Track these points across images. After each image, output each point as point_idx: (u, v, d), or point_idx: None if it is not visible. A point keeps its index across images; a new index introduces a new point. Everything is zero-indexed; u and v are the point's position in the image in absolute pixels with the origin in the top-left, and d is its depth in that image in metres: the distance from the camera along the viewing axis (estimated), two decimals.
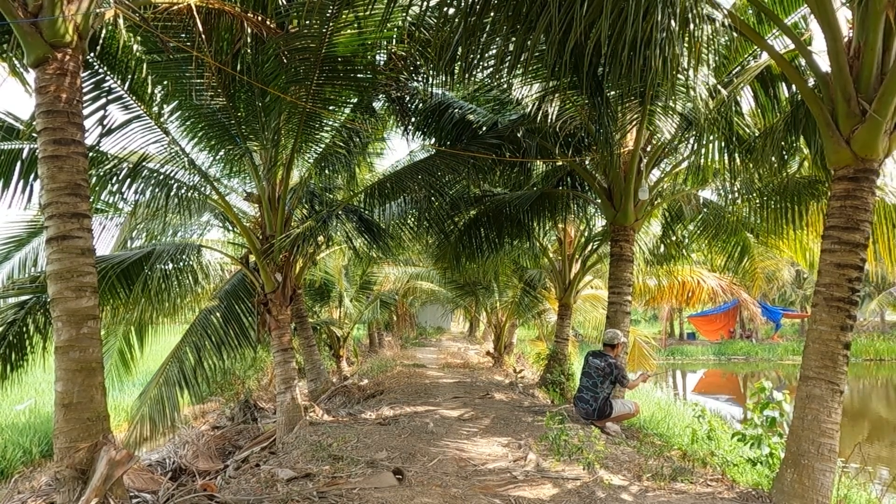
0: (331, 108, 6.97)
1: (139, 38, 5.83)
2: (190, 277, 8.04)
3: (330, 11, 5.52)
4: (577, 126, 7.53)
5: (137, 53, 6.02)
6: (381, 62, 6.90)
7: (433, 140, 8.55)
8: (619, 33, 3.77)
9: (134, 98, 6.31)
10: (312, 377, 10.25)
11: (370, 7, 5.58)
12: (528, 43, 4.18)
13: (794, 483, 4.02)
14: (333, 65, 6.28)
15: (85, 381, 3.77)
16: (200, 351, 7.78)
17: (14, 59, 4.95)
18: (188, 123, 6.93)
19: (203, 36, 5.04)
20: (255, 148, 7.44)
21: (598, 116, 6.61)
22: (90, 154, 5.29)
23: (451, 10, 4.54)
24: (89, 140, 5.23)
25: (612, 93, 6.19)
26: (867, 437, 13.90)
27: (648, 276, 12.11)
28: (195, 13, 4.89)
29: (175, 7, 4.92)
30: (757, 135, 6.53)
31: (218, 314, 8.14)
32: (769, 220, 7.80)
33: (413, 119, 8.34)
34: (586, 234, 11.81)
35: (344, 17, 5.70)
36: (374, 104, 8.13)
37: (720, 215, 9.14)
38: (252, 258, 7.55)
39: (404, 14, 5.77)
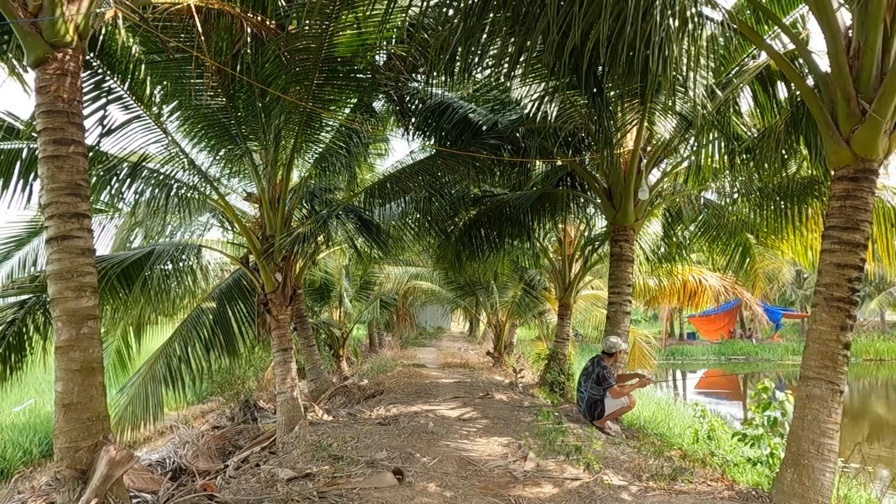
0: (331, 108, 6.98)
1: (139, 38, 5.84)
2: (189, 278, 8.04)
3: (330, 11, 5.52)
4: (577, 126, 7.53)
5: (137, 54, 6.02)
6: (381, 62, 6.90)
7: (433, 140, 8.55)
8: (619, 34, 3.77)
9: (134, 98, 6.32)
10: (312, 377, 10.24)
11: (370, 8, 5.58)
12: (528, 44, 4.18)
13: (794, 483, 4.02)
14: (333, 65, 6.28)
15: (85, 381, 3.77)
16: (188, 349, 7.78)
17: (14, 59, 4.95)
18: (188, 123, 6.93)
19: (203, 36, 5.04)
20: (255, 148, 7.44)
21: (597, 116, 6.62)
22: (90, 154, 5.30)
23: (451, 11, 4.55)
24: (89, 140, 5.24)
25: (612, 93, 6.20)
26: (867, 437, 13.90)
27: (649, 276, 12.10)
28: (195, 13, 4.89)
29: (175, 7, 4.92)
30: (757, 135, 6.53)
31: (210, 316, 8.14)
32: (769, 220, 7.81)
33: (413, 119, 8.33)
34: (586, 234, 11.81)
35: (344, 17, 5.70)
36: (374, 104, 8.14)
37: (721, 216, 9.15)
38: (252, 258, 7.55)
39: (404, 15, 5.78)
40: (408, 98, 8.08)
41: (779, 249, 9.50)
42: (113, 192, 6.52)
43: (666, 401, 12.95)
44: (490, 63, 5.29)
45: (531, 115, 6.62)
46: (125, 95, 6.24)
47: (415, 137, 8.73)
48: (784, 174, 6.94)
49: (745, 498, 4.36)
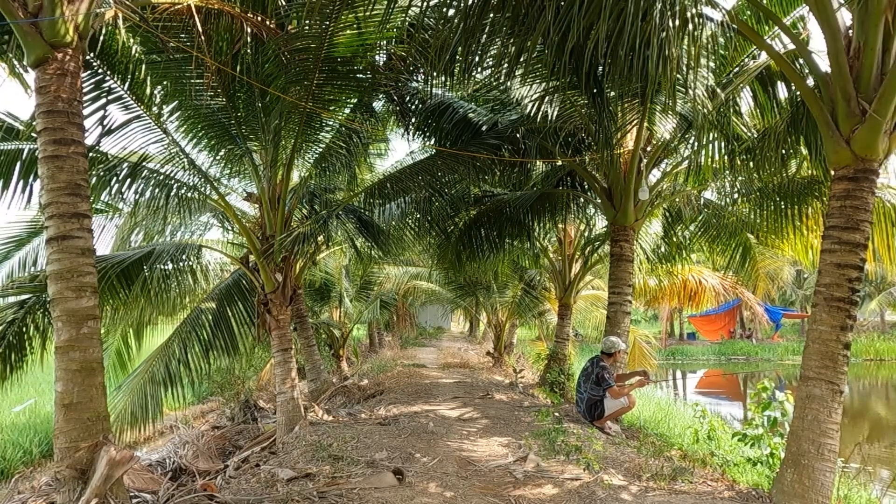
0: (331, 108, 6.98)
1: (139, 38, 5.84)
2: (190, 278, 8.04)
3: (330, 11, 5.53)
4: (577, 126, 7.53)
5: (137, 54, 6.02)
6: (381, 63, 6.90)
7: (433, 140, 8.55)
8: (619, 34, 3.77)
9: (134, 98, 6.32)
10: (312, 377, 10.24)
11: (370, 8, 5.58)
12: (527, 44, 4.19)
13: (795, 483, 4.02)
14: (333, 65, 6.29)
15: (85, 381, 3.77)
16: (188, 350, 7.77)
17: (14, 59, 4.95)
18: (188, 123, 6.94)
19: (203, 36, 5.04)
20: (255, 148, 7.44)
21: (597, 116, 6.62)
22: (90, 154, 5.29)
23: (451, 12, 4.55)
24: (89, 140, 5.24)
25: (612, 93, 6.19)
26: (867, 437, 13.90)
27: (649, 276, 12.11)
28: (195, 13, 4.89)
29: (175, 7, 4.92)
30: (757, 135, 6.53)
31: (209, 316, 8.13)
32: (769, 220, 7.81)
33: (413, 119, 8.34)
34: (586, 234, 11.81)
35: (344, 17, 5.70)
36: (374, 104, 8.13)
37: (721, 216, 9.15)
38: (252, 258, 7.55)
39: (404, 15, 5.78)
40: (408, 98, 8.08)
41: (779, 249, 9.50)
42: (113, 192, 6.52)
43: (666, 401, 12.95)
44: (490, 63, 5.29)
45: (531, 115, 6.62)
46: (125, 95, 6.23)
47: (415, 137, 8.74)
48: (784, 174, 6.94)
49: (746, 498, 4.36)
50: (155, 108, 6.59)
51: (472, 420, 7.33)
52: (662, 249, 10.53)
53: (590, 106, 6.54)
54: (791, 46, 5.79)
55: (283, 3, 5.82)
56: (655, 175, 8.85)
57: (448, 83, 7.28)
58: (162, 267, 7.38)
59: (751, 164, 6.63)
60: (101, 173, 6.24)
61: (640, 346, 14.90)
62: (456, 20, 4.32)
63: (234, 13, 5.26)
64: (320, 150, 7.92)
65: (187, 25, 5.20)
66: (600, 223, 11.40)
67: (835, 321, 4.01)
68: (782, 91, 6.36)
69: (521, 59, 4.96)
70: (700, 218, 9.47)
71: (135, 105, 6.37)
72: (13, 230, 8.15)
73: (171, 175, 6.83)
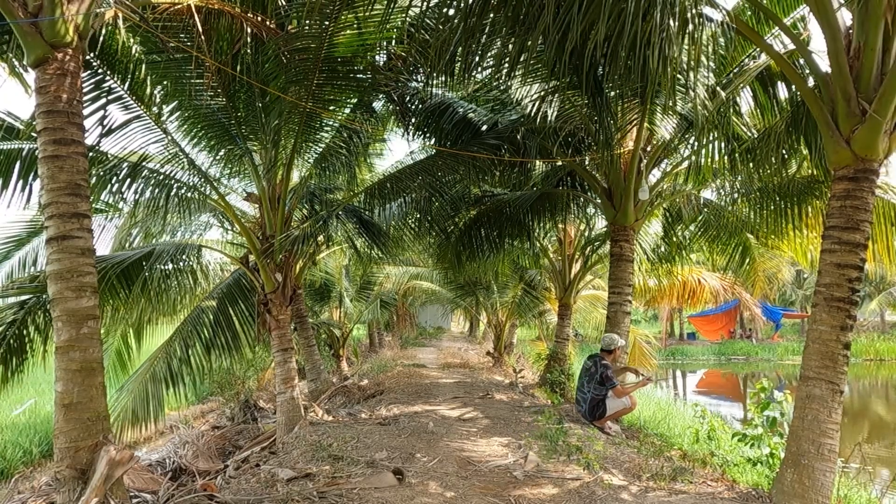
0: (331, 108, 6.98)
1: (139, 38, 5.84)
2: (190, 278, 8.03)
3: (330, 11, 5.53)
4: (577, 126, 7.53)
5: (137, 54, 6.02)
6: (381, 62, 6.91)
7: (433, 140, 8.54)
8: (619, 34, 3.77)
9: (134, 98, 6.31)
10: (312, 377, 10.24)
11: (370, 8, 5.58)
12: (528, 44, 4.19)
13: (794, 483, 4.02)
14: (333, 65, 6.29)
15: (85, 381, 3.77)
16: (188, 349, 7.77)
17: (14, 59, 4.95)
18: (188, 123, 6.94)
19: (203, 36, 5.04)
20: (255, 148, 7.44)
21: (597, 117, 6.62)
22: (90, 154, 5.29)
23: (451, 11, 4.55)
24: (89, 140, 5.24)
25: (612, 93, 6.19)
26: (867, 437, 13.90)
27: (649, 276, 12.11)
28: (195, 13, 4.89)
29: (175, 7, 4.92)
30: (757, 135, 6.54)
31: (210, 315, 8.13)
32: (769, 220, 7.81)
33: (413, 119, 8.34)
34: (586, 234, 11.81)
35: (344, 17, 5.70)
36: (374, 104, 8.13)
37: (720, 216, 9.16)
38: (252, 258, 7.55)
39: (404, 15, 5.78)
40: (408, 98, 8.08)
41: (779, 249, 9.50)
42: (113, 192, 6.51)
43: (666, 401, 12.96)
44: (490, 63, 5.29)
45: (531, 115, 6.62)
46: (125, 95, 6.23)
47: (415, 137, 8.73)
48: (784, 174, 6.94)
49: (746, 498, 4.36)
50: (155, 108, 6.59)
51: (472, 420, 7.33)
52: (662, 249, 10.54)
53: (590, 106, 6.54)
54: (791, 47, 5.79)
55: (283, 3, 5.82)
56: (655, 175, 8.86)
57: (448, 83, 7.27)
58: (162, 267, 7.37)
59: (751, 164, 6.63)
60: (101, 173, 6.24)
61: (640, 346, 14.91)
62: (456, 20, 4.33)
63: (234, 13, 5.26)
64: (320, 150, 7.92)
65: (187, 25, 5.19)
66: (600, 223, 11.41)
67: (835, 321, 4.01)
68: (782, 91, 6.36)
69: (522, 59, 4.96)
70: (700, 218, 9.47)
71: (135, 105, 6.36)
72: (13, 230, 8.15)
73: (171, 175, 6.82)
